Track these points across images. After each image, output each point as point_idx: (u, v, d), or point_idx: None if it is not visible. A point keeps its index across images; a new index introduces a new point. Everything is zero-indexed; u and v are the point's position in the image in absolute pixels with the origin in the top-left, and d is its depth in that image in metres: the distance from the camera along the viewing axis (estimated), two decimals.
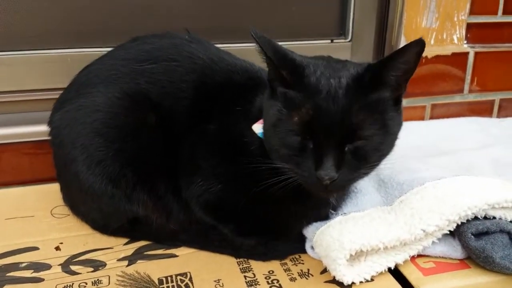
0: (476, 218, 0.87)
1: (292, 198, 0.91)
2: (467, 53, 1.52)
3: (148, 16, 1.29)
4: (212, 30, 1.25)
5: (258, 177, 0.87)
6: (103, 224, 1.02)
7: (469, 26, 1.51)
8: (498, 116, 1.64)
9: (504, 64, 1.58)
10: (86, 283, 0.87)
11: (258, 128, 0.88)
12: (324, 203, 0.95)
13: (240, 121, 0.92)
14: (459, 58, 1.51)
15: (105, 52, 1.05)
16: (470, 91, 1.57)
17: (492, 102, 1.62)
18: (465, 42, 1.53)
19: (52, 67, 1.23)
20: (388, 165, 0.87)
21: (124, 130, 0.94)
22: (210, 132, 0.94)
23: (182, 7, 1.32)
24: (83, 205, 1.02)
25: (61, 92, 1.05)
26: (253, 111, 0.92)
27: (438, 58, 1.48)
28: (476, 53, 1.52)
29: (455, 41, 1.51)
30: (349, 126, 0.78)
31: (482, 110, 1.61)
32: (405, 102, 1.46)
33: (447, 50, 1.49)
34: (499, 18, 1.55)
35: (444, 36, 1.49)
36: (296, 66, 0.81)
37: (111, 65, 0.99)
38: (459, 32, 1.50)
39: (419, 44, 0.77)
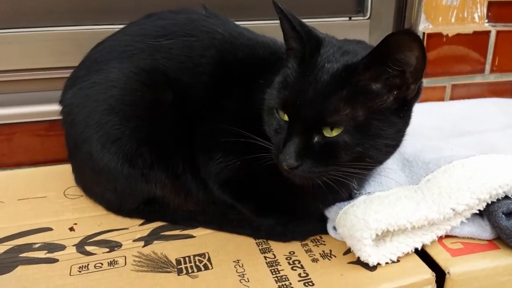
0: (506, 197, 0.84)
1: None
2: (488, 32, 1.47)
3: None
4: (226, 8, 1.21)
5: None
6: (119, 205, 0.99)
7: (491, 4, 1.47)
8: None
9: None
10: (102, 264, 0.85)
11: None
12: (345, 186, 0.90)
13: (260, 95, 0.88)
14: (480, 37, 1.47)
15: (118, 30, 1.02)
16: (492, 71, 1.52)
17: None
18: (486, 20, 1.48)
19: (63, 44, 1.20)
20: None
21: (141, 107, 0.91)
22: (230, 107, 0.91)
23: None
24: (97, 185, 0.99)
25: (72, 70, 1.02)
26: (275, 83, 0.87)
27: (459, 37, 1.44)
28: (498, 32, 1.48)
29: (476, 20, 1.46)
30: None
31: (504, 91, 1.56)
32: (425, 82, 1.42)
33: (468, 28, 1.45)
34: None
35: (465, 15, 1.45)
36: (317, 41, 0.79)
37: (125, 41, 0.96)
38: (480, 10, 1.46)
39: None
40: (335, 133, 0.75)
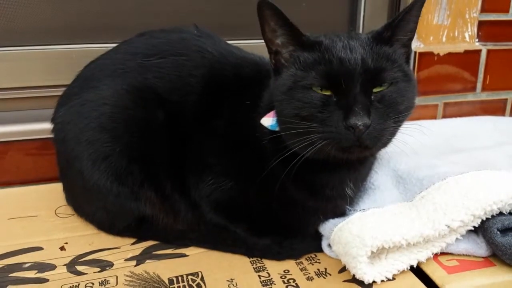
0: (501, 213, 0.84)
1: (307, 193, 0.87)
2: (479, 51, 1.49)
3: (156, 12, 1.26)
4: (220, 27, 1.22)
5: (271, 173, 0.85)
6: (109, 224, 0.98)
7: (481, 24, 1.49)
8: (511, 115, 1.61)
9: None
10: (93, 284, 0.84)
11: (267, 121, 0.85)
12: (341, 196, 0.90)
13: (250, 116, 0.89)
14: (471, 56, 1.48)
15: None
16: (483, 89, 1.54)
17: (505, 101, 1.59)
18: (477, 40, 1.50)
19: (56, 63, 1.20)
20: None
21: (132, 125, 0.90)
22: (220, 128, 0.91)
23: (191, 3, 1.29)
24: (88, 204, 0.98)
25: (65, 88, 1.01)
26: (262, 105, 0.89)
27: (450, 56, 1.45)
28: (489, 51, 1.49)
29: (467, 39, 1.48)
30: (372, 70, 0.77)
31: (495, 109, 1.57)
32: (417, 101, 1.42)
33: (459, 47, 1.46)
34: (511, 16, 1.52)
35: (456, 34, 1.46)
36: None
37: (117, 59, 0.96)
38: (471, 30, 1.47)
39: None
40: (389, 86, 0.79)
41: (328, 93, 0.77)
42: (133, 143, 0.90)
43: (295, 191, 0.87)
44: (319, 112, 0.77)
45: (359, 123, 0.74)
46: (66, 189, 1.02)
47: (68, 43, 1.22)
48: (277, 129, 0.83)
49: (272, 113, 0.84)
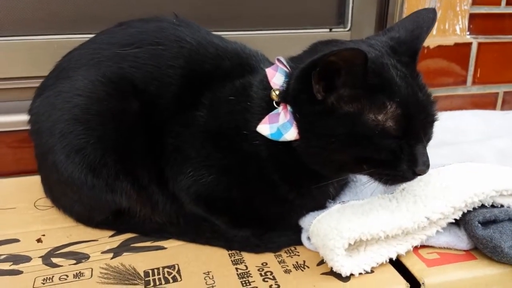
0: (483, 206, 0.82)
1: (290, 188, 0.86)
2: (470, 44, 1.47)
3: (139, 2, 1.24)
4: (208, 18, 1.21)
5: (259, 171, 0.84)
6: (87, 217, 0.97)
7: (472, 17, 1.47)
8: (502, 109, 1.59)
9: (508, 56, 1.54)
10: (67, 276, 0.82)
11: (265, 129, 0.81)
12: (323, 193, 0.89)
13: (234, 113, 0.86)
14: (461, 49, 1.47)
15: None
16: (473, 83, 1.52)
17: (495, 95, 1.57)
18: (468, 33, 1.48)
19: (38, 54, 1.18)
20: None
21: (106, 116, 0.88)
22: (199, 120, 0.88)
23: None
24: (64, 197, 0.97)
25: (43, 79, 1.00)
26: (252, 106, 0.85)
27: (440, 49, 1.44)
28: (479, 44, 1.48)
29: (458, 32, 1.46)
30: (431, 111, 0.78)
31: (486, 103, 1.56)
32: None
33: (450, 40, 1.45)
34: (502, 9, 1.51)
35: (447, 26, 1.45)
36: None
37: (93, 49, 0.94)
38: (462, 23, 1.46)
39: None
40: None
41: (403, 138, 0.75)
42: (107, 135, 0.88)
43: (286, 191, 0.86)
44: (390, 160, 0.75)
45: (426, 170, 0.75)
46: (43, 182, 1.01)
47: (50, 34, 1.20)
48: (281, 139, 0.79)
49: (267, 119, 0.81)
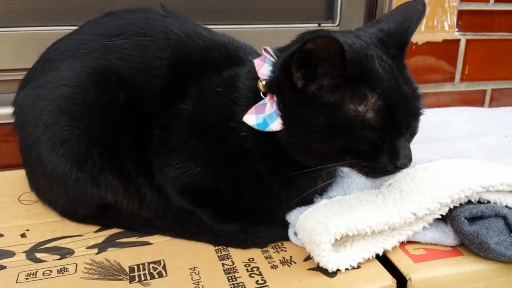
0: (469, 202, 0.82)
1: (276, 180, 0.85)
2: (458, 41, 1.48)
3: None
4: (196, 12, 1.19)
5: (246, 163, 0.84)
6: (72, 211, 0.96)
7: (461, 13, 1.48)
8: (490, 107, 1.60)
9: (496, 53, 1.54)
10: (51, 271, 0.81)
11: (251, 119, 0.81)
12: (311, 184, 0.88)
13: (221, 104, 0.86)
14: (450, 46, 1.47)
15: None
16: (462, 80, 1.52)
17: (483, 92, 1.58)
18: (456, 29, 1.48)
19: (22, 45, 1.17)
20: None
21: (91, 108, 0.87)
22: (186, 112, 0.87)
23: None
24: (49, 190, 0.95)
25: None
26: (239, 97, 0.85)
27: (428, 45, 1.44)
28: (468, 41, 1.48)
29: (446, 28, 1.47)
30: (417, 104, 0.78)
31: (474, 100, 1.56)
32: None
33: (438, 37, 1.45)
34: (491, 5, 1.52)
35: (435, 23, 1.45)
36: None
37: (80, 40, 0.93)
38: (450, 19, 1.46)
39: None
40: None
41: (384, 129, 0.75)
42: (93, 127, 0.87)
43: (272, 183, 0.85)
44: (369, 151, 0.75)
45: (408, 163, 0.75)
46: (28, 176, 0.99)
47: (34, 25, 1.19)
48: (267, 129, 0.79)
49: (253, 109, 0.81)
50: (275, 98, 0.80)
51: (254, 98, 0.82)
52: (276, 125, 0.79)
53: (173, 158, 0.88)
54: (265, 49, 0.84)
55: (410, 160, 0.75)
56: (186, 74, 0.89)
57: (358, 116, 0.73)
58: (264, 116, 0.80)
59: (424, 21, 1.42)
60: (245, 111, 0.82)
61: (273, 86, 0.80)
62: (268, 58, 0.83)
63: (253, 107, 0.81)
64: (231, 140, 0.84)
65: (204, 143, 0.86)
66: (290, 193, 0.88)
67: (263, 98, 0.81)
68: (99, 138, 0.87)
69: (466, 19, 1.48)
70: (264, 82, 0.81)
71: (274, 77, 0.80)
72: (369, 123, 0.73)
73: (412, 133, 0.79)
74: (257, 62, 0.84)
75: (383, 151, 0.75)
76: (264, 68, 0.82)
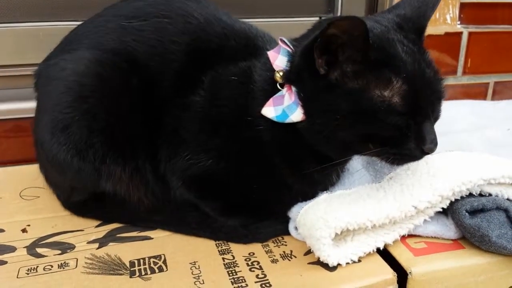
0: (471, 194, 0.82)
1: (291, 172, 0.85)
2: (460, 33, 1.47)
3: None
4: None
5: (262, 156, 0.83)
6: (67, 195, 0.97)
7: (463, 6, 1.47)
8: (493, 100, 1.59)
9: (499, 46, 1.53)
10: (52, 266, 0.81)
11: (269, 112, 0.80)
12: (325, 179, 0.89)
13: (237, 96, 0.85)
14: (452, 39, 1.46)
15: None
16: (464, 73, 1.52)
17: (486, 85, 1.57)
18: (459, 22, 1.47)
19: (23, 41, 1.17)
20: None
21: (98, 88, 0.86)
22: (200, 102, 0.86)
23: None
24: (50, 174, 0.96)
25: (33, 68, 0.98)
26: (255, 89, 0.83)
27: (430, 38, 1.42)
28: (470, 34, 1.47)
29: (448, 21, 1.46)
30: (440, 88, 0.77)
31: (476, 93, 1.56)
32: None
33: (440, 29, 1.44)
34: None
35: (437, 16, 1.44)
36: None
37: (99, 22, 0.92)
38: (452, 12, 1.45)
39: None
40: None
41: (409, 115, 0.74)
42: (98, 110, 0.85)
43: (287, 175, 0.85)
44: (397, 137, 0.74)
45: (434, 148, 0.74)
46: (38, 157, 0.98)
47: (35, 21, 1.18)
48: (287, 121, 0.78)
49: (271, 101, 0.80)
50: (293, 89, 0.79)
51: (271, 90, 0.81)
52: (296, 115, 0.78)
53: (183, 149, 0.87)
54: (281, 39, 0.83)
55: (436, 144, 0.74)
56: (203, 61, 0.87)
57: (384, 101, 0.72)
58: (283, 107, 0.79)
59: None
60: (262, 104, 0.81)
61: (292, 76, 0.79)
62: (283, 49, 0.82)
63: (271, 99, 0.80)
64: (246, 133, 0.83)
65: (217, 136, 0.85)
66: (303, 186, 0.87)
67: (280, 90, 0.81)
68: (104, 123, 0.86)
69: (468, 12, 1.47)
70: (281, 73, 0.80)
71: (293, 66, 0.80)
72: (395, 108, 0.72)
73: (436, 117, 0.78)
74: (271, 54, 0.82)
75: (409, 136, 0.74)
76: (279, 60, 0.81)
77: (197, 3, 0.92)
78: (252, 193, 0.88)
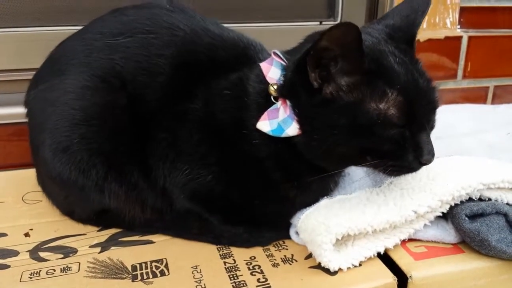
0: (470, 199, 0.83)
1: (291, 185, 0.85)
2: (460, 37, 1.47)
3: None
4: (196, 11, 1.19)
5: (260, 171, 0.83)
6: (71, 211, 0.97)
7: (462, 10, 1.47)
8: (493, 103, 1.60)
9: (499, 50, 1.54)
10: (55, 270, 0.82)
11: (265, 126, 0.79)
12: (323, 187, 0.88)
13: (231, 109, 0.84)
14: (452, 43, 1.47)
15: None
16: (464, 77, 1.52)
17: (486, 89, 1.58)
18: (458, 26, 1.48)
19: (26, 46, 1.17)
20: None
21: (90, 112, 0.85)
22: (194, 113, 0.85)
23: None
24: (53, 191, 0.97)
25: (34, 72, 0.98)
26: (249, 102, 0.82)
27: (430, 43, 1.43)
28: (470, 38, 1.48)
29: (448, 25, 1.46)
30: (434, 98, 0.77)
31: (476, 97, 1.56)
32: None
33: (440, 34, 1.44)
34: (493, 2, 1.51)
35: (437, 20, 1.44)
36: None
37: (86, 39, 0.91)
38: (452, 16, 1.46)
39: None
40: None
41: (405, 127, 0.74)
42: (92, 133, 0.86)
43: (287, 189, 0.85)
44: (394, 150, 0.74)
45: (432, 159, 0.74)
46: (37, 171, 0.99)
47: (38, 26, 1.19)
48: (283, 135, 0.78)
49: (266, 115, 0.79)
50: (288, 103, 0.78)
51: (265, 103, 0.81)
52: (292, 130, 0.77)
53: (182, 163, 0.86)
54: (274, 52, 0.82)
55: (433, 155, 0.75)
56: (192, 73, 0.86)
57: (380, 114, 0.72)
58: (278, 121, 0.78)
59: (426, 18, 1.40)
60: (256, 117, 0.80)
61: (285, 91, 0.79)
62: (276, 61, 0.81)
63: (265, 113, 0.79)
64: (243, 147, 0.82)
65: (216, 150, 0.85)
66: (305, 198, 0.87)
67: (274, 103, 0.80)
68: (100, 144, 0.86)
69: (468, 16, 1.48)
70: (275, 87, 0.80)
71: (287, 80, 0.79)
72: (391, 120, 0.72)
73: (432, 126, 0.79)
74: (264, 65, 0.82)
75: (406, 148, 0.74)
76: (272, 72, 0.81)
77: (183, 13, 0.91)
78: (254, 207, 0.88)
